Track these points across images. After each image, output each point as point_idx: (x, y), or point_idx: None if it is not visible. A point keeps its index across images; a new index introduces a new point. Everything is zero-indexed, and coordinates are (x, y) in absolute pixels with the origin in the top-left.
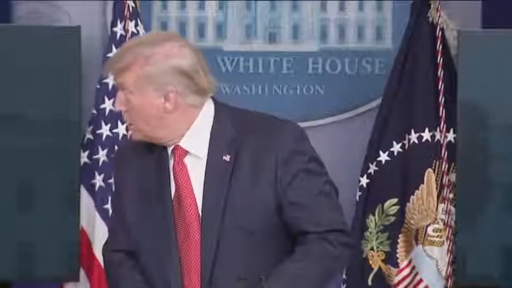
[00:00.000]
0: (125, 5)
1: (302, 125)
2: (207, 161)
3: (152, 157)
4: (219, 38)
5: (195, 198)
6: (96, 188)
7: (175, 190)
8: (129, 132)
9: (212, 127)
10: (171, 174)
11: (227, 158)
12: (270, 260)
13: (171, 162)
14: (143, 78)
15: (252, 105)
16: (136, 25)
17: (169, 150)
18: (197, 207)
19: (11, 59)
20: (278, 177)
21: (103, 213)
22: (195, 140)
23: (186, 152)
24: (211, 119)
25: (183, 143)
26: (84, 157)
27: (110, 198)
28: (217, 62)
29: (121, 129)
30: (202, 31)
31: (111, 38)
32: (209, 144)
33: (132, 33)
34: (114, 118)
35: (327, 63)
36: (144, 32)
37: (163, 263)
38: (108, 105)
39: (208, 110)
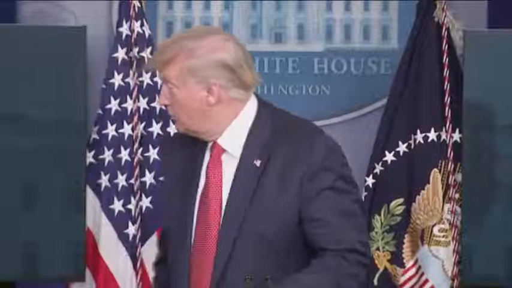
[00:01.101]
0: (130, 5)
1: None
2: (238, 162)
3: (193, 150)
4: None
5: (221, 197)
6: (102, 188)
7: (204, 186)
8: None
9: (250, 128)
10: (203, 168)
11: (257, 162)
12: (283, 271)
13: (208, 158)
14: (186, 71)
15: None
16: (142, 25)
17: (209, 145)
18: (221, 207)
19: (17, 59)
20: (303, 191)
21: (109, 214)
22: (232, 139)
23: (224, 150)
24: (252, 119)
25: (221, 141)
26: (90, 157)
27: (115, 198)
28: None
29: (126, 129)
30: None
31: (116, 38)
32: (244, 145)
33: (138, 33)
34: (120, 118)
35: (333, 63)
36: (149, 32)
37: (177, 259)
38: (113, 105)
39: (250, 109)
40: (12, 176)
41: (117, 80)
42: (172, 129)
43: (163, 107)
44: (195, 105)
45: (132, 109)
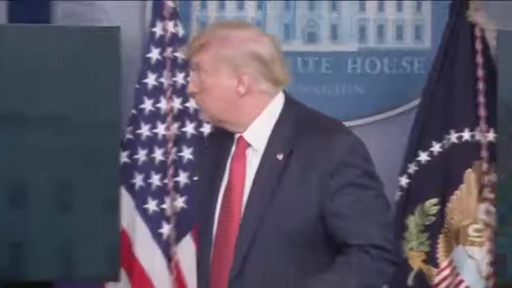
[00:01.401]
0: (163, 5)
1: None
2: (261, 157)
3: (224, 143)
4: None
5: (243, 191)
6: (136, 188)
7: (228, 180)
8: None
9: (275, 124)
10: (229, 162)
11: (280, 156)
12: (304, 266)
13: (233, 151)
14: (219, 58)
15: None
16: (175, 25)
17: (235, 138)
18: (243, 201)
19: (51, 59)
20: (324, 187)
21: (143, 213)
22: (257, 134)
23: (249, 144)
24: (277, 115)
25: (246, 135)
26: (124, 157)
27: (149, 198)
28: None
29: (160, 129)
30: None
31: (150, 38)
32: (268, 140)
33: (171, 33)
34: (154, 118)
35: (366, 63)
36: (183, 32)
37: (202, 252)
38: (147, 105)
39: (277, 104)
40: (47, 176)
41: (151, 80)
42: (206, 129)
43: (197, 107)
44: (223, 93)
45: (166, 109)
